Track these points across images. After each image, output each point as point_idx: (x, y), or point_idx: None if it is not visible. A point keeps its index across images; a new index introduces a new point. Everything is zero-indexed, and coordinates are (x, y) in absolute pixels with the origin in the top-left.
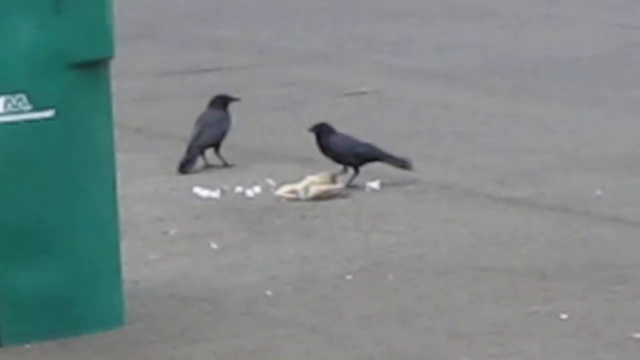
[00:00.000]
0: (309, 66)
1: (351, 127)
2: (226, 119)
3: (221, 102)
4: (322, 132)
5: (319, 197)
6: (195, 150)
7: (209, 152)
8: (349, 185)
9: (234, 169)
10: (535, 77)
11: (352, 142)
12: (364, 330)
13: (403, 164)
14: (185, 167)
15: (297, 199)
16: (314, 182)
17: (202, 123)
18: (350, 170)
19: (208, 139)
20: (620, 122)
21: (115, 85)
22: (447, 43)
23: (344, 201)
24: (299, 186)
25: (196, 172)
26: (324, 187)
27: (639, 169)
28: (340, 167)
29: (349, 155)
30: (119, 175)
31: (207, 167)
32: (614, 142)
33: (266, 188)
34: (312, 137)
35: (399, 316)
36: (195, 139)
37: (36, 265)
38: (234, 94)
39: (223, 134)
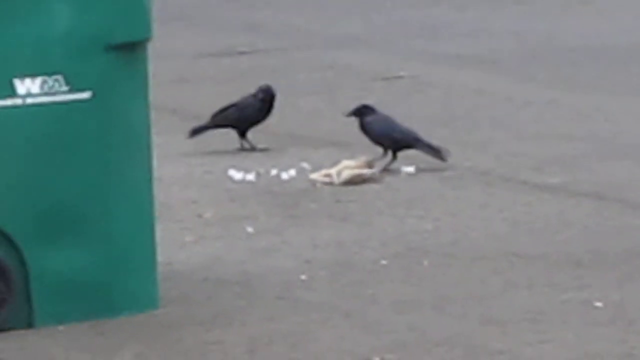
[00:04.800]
0: (344, 50)
1: (386, 112)
2: (253, 106)
3: (267, 94)
4: (363, 114)
5: (352, 181)
6: (210, 121)
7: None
8: (385, 170)
9: (269, 152)
10: (572, 65)
11: (389, 126)
12: (398, 316)
13: (438, 154)
14: (195, 131)
15: (331, 183)
16: (348, 167)
17: (235, 102)
18: (389, 154)
19: (224, 116)
20: None
21: (152, 67)
22: (482, 29)
23: (379, 186)
24: (333, 170)
25: (231, 153)
26: (356, 171)
27: None
28: (377, 151)
29: (385, 139)
30: (154, 157)
31: (242, 149)
32: None
33: (301, 171)
34: (349, 122)
35: (433, 302)
36: (219, 111)
37: (71, 247)
38: (269, 77)
39: (243, 118)
